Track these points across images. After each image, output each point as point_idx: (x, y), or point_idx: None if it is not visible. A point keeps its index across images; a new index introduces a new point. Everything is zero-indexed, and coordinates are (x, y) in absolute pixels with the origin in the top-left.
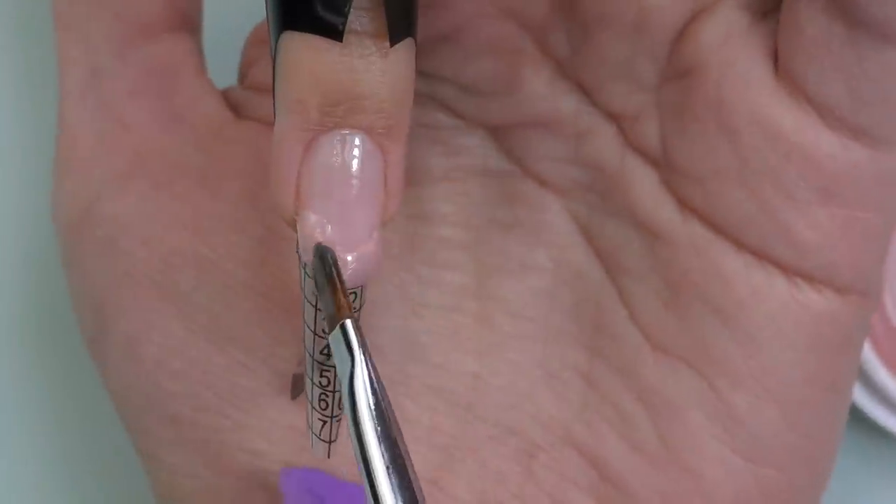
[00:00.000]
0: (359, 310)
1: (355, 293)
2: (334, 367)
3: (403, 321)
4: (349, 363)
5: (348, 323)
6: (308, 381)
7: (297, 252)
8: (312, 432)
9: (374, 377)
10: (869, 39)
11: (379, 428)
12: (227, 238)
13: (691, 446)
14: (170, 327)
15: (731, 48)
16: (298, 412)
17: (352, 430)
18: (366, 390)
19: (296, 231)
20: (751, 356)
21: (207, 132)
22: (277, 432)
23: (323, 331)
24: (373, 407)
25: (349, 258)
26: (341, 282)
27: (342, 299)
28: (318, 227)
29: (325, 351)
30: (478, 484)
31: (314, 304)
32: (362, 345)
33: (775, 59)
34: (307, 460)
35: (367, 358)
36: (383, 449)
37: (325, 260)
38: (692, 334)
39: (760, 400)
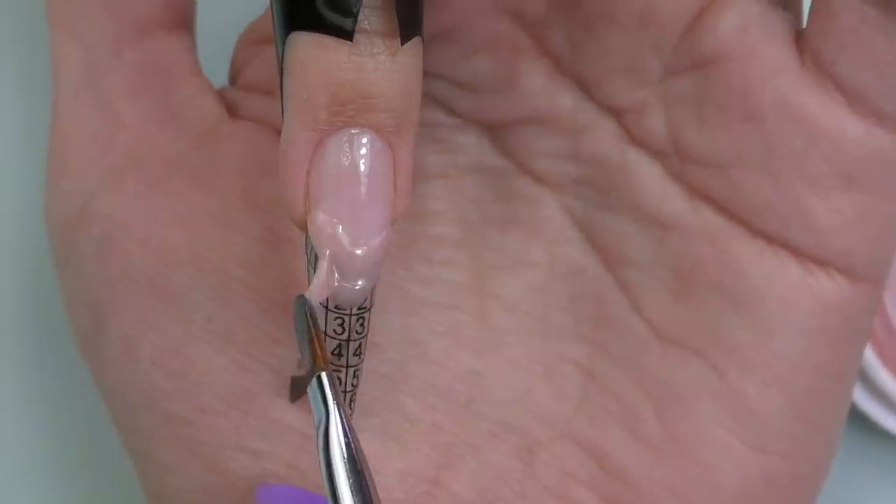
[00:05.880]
0: (369, 309)
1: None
2: (345, 367)
3: (402, 319)
4: (324, 416)
5: (324, 376)
6: None
7: (306, 253)
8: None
9: (347, 430)
10: None
11: (351, 479)
12: (224, 237)
13: (698, 436)
14: (167, 327)
15: (752, 37)
16: (298, 412)
17: (325, 476)
18: (339, 443)
19: (305, 231)
20: (763, 343)
21: (203, 131)
22: (277, 433)
23: (334, 331)
24: (346, 458)
25: (358, 252)
26: (317, 333)
27: (318, 350)
28: (328, 226)
29: (336, 351)
30: (479, 482)
31: (324, 304)
32: (336, 397)
33: (796, 45)
34: (307, 461)
35: (341, 410)
36: (356, 501)
37: (301, 310)
38: (703, 323)
39: (770, 387)
